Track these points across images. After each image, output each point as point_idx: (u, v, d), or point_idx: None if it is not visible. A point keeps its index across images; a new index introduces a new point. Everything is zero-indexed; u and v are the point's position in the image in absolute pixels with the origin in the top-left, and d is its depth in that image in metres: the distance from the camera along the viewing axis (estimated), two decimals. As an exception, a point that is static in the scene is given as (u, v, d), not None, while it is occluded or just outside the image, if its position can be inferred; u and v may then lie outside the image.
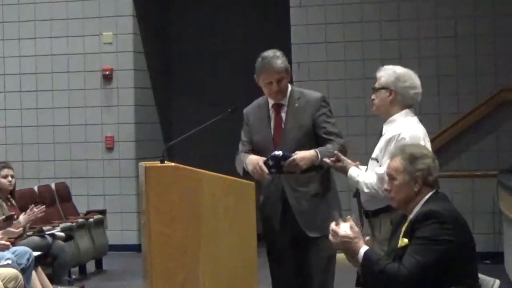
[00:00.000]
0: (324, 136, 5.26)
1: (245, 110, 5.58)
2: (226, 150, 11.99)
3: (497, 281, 4.00)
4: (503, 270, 8.58)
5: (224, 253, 5.04)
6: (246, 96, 12.43)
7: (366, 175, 4.88)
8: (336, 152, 5.04)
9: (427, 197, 4.04)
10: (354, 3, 10.62)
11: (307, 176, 5.23)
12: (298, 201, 5.27)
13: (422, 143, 4.76)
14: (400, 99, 4.93)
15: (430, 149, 4.62)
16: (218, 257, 5.03)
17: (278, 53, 5.36)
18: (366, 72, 10.19)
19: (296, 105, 5.29)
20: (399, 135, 4.79)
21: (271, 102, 5.42)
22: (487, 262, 9.09)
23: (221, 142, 11.94)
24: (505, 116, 10.16)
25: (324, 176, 5.31)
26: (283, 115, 5.36)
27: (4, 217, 7.37)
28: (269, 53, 5.39)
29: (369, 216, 4.93)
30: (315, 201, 5.29)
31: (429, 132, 10.76)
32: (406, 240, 3.94)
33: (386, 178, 4.18)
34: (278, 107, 5.37)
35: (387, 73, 5.00)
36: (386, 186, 4.17)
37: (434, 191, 4.07)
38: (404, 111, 4.95)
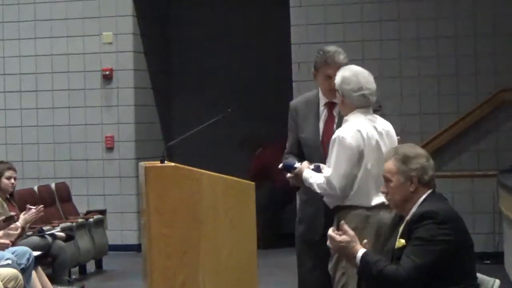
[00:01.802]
0: None
1: (292, 104, 5.49)
2: (226, 150, 12.08)
3: (497, 281, 4.00)
4: (503, 270, 8.59)
5: (224, 253, 5.04)
6: (245, 96, 12.49)
7: (317, 176, 4.92)
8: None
9: (423, 197, 4.04)
10: (354, 3, 10.62)
11: None
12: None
13: (360, 141, 4.80)
14: (347, 101, 4.94)
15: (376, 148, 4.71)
16: (218, 257, 5.03)
17: (340, 49, 5.31)
18: (366, 72, 10.17)
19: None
20: (338, 136, 4.86)
21: (323, 99, 5.33)
22: (487, 262, 9.10)
23: (221, 142, 11.96)
24: (505, 116, 10.16)
25: None
26: (336, 113, 5.29)
27: (4, 217, 7.38)
28: (331, 47, 5.32)
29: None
30: None
31: (429, 132, 10.79)
32: (403, 241, 3.94)
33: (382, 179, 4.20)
34: (331, 105, 5.28)
35: (338, 75, 5.03)
36: (382, 188, 4.17)
37: (430, 191, 4.07)
38: (356, 111, 4.94)
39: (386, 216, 4.82)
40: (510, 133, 10.12)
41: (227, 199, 5.08)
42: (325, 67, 5.24)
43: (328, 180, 4.82)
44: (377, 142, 4.89)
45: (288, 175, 5.18)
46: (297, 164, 5.10)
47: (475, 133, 10.19)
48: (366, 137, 4.86)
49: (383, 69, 10.32)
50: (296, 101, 5.51)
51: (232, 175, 5.26)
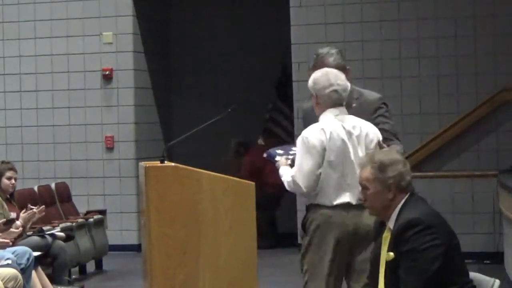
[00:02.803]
0: (383, 137, 5.17)
1: (304, 107, 5.57)
2: (226, 150, 12.07)
3: (497, 281, 4.00)
4: (503, 270, 8.58)
5: (224, 253, 5.05)
6: (245, 96, 12.49)
7: (287, 174, 5.03)
8: None
9: (402, 201, 4.01)
10: (354, 3, 10.61)
11: None
12: None
13: (323, 140, 4.89)
14: (321, 101, 5.04)
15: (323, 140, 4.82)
16: (218, 257, 5.03)
17: (333, 50, 5.36)
18: (366, 72, 10.19)
19: (354, 105, 5.25)
20: (303, 136, 4.98)
21: None
22: (487, 262, 9.09)
23: (221, 142, 11.96)
24: (505, 116, 10.15)
25: None
26: None
27: (5, 220, 7.39)
28: (324, 49, 5.40)
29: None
30: None
31: (429, 132, 10.79)
32: (392, 254, 3.91)
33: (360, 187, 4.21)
34: None
35: (310, 78, 5.11)
36: (360, 195, 4.15)
37: (408, 194, 4.04)
38: (327, 111, 5.03)
39: (350, 216, 4.90)
40: (510, 133, 10.12)
41: (227, 199, 5.08)
42: (315, 69, 5.27)
43: (293, 180, 4.95)
44: (343, 141, 4.94)
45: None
46: (278, 158, 5.22)
47: (475, 133, 10.19)
48: (330, 136, 4.93)
49: (383, 69, 10.33)
50: (307, 104, 5.54)
51: (232, 175, 5.27)
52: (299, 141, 5.01)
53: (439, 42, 10.41)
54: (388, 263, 3.92)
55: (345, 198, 4.93)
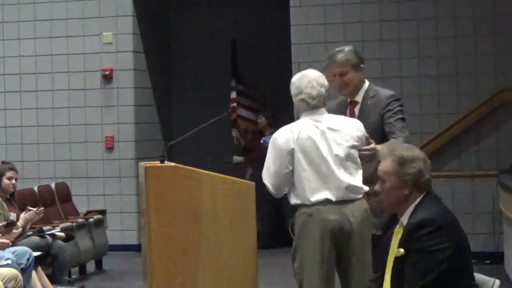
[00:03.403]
0: (387, 131, 5.32)
1: (328, 106, 5.58)
2: (226, 150, 12.06)
3: (497, 281, 4.00)
4: (503, 270, 8.58)
5: (224, 253, 5.05)
6: (245, 96, 12.40)
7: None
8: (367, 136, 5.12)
9: (418, 200, 4.00)
10: (354, 3, 10.61)
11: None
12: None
13: (290, 141, 4.97)
14: (295, 105, 5.18)
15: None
16: (218, 257, 5.03)
17: (347, 48, 5.49)
18: (366, 72, 10.14)
19: (369, 102, 5.36)
20: (273, 136, 5.10)
21: (349, 98, 5.52)
22: (487, 262, 9.09)
23: (221, 142, 11.95)
24: (505, 116, 10.15)
25: None
26: (356, 111, 5.44)
27: (5, 223, 7.39)
28: (338, 48, 5.54)
29: None
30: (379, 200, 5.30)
31: (429, 132, 10.79)
32: (402, 251, 3.91)
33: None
34: (353, 103, 5.46)
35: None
36: (376, 187, 4.15)
37: (425, 193, 4.04)
38: (303, 113, 5.13)
39: (331, 212, 4.94)
40: (510, 133, 10.12)
41: (227, 199, 5.09)
42: (327, 67, 5.45)
43: (263, 179, 5.04)
44: (313, 141, 4.99)
45: None
46: None
47: (475, 133, 10.19)
48: (298, 136, 4.99)
49: (383, 69, 10.32)
50: (331, 102, 5.61)
51: (232, 175, 5.27)
52: (270, 141, 5.12)
53: (439, 42, 10.41)
54: (396, 259, 3.93)
55: (323, 195, 4.96)
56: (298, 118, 5.36)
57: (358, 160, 5.05)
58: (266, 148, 5.27)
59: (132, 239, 11.25)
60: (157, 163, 5.16)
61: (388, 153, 4.10)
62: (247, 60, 12.07)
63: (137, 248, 10.44)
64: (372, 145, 5.04)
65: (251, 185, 5.21)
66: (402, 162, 4.00)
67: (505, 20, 10.26)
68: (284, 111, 11.28)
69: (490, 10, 10.30)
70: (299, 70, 10.54)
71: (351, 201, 4.99)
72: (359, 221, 4.98)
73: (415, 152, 4.09)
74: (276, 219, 11.59)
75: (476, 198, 9.88)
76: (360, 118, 5.33)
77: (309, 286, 4.99)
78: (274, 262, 9.52)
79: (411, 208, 3.99)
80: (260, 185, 5.23)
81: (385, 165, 4.05)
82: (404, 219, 4.00)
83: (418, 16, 10.45)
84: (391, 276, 3.97)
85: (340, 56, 5.43)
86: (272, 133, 11.74)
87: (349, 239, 4.98)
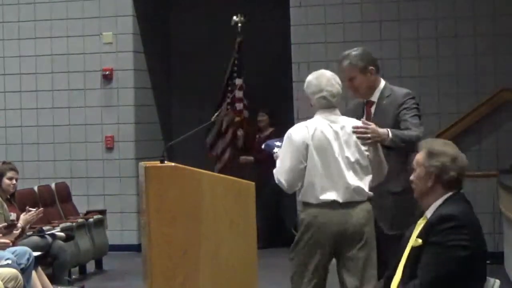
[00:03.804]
0: (403, 129, 5.36)
1: (347, 107, 5.72)
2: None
3: (497, 281, 4.00)
4: (503, 270, 8.58)
5: (224, 253, 5.05)
6: (245, 95, 12.43)
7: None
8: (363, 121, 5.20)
9: (445, 197, 4.03)
10: (354, 3, 10.61)
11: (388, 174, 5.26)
12: (379, 196, 5.27)
13: (306, 137, 5.02)
14: (313, 103, 5.21)
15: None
16: (218, 257, 5.03)
17: (354, 52, 5.52)
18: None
19: (384, 102, 5.40)
20: (288, 132, 5.14)
21: (365, 99, 5.57)
22: (487, 262, 9.08)
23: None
24: (505, 116, 10.15)
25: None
26: (372, 111, 5.49)
27: (6, 224, 7.39)
28: (345, 52, 5.59)
29: None
30: (395, 199, 5.31)
31: (429, 132, 10.80)
32: (420, 241, 3.93)
33: None
34: (369, 103, 5.49)
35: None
36: (411, 176, 4.18)
37: (453, 192, 4.06)
38: (318, 112, 5.18)
39: (336, 215, 4.98)
40: (510, 133, 10.12)
41: (227, 199, 5.09)
42: (339, 73, 5.45)
43: (275, 175, 5.07)
44: (327, 139, 5.03)
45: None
46: (276, 149, 5.30)
47: (475, 133, 10.19)
48: (313, 133, 5.04)
49: (383, 69, 10.28)
50: (350, 103, 5.73)
51: (232, 176, 5.27)
52: (285, 137, 5.13)
53: (439, 42, 10.41)
54: (413, 249, 3.95)
55: (331, 196, 5.00)
56: (298, 118, 5.40)
57: (368, 165, 5.10)
58: (269, 152, 5.30)
59: (132, 239, 11.25)
60: (157, 163, 5.16)
61: (424, 145, 4.14)
62: (247, 60, 12.06)
63: (137, 248, 10.44)
64: (369, 125, 5.12)
65: (251, 185, 5.21)
66: (430, 154, 4.06)
67: (505, 20, 10.26)
68: (283, 111, 11.31)
69: (490, 10, 10.29)
70: (299, 70, 10.66)
71: (357, 202, 5.04)
72: (363, 222, 5.03)
73: (447, 148, 4.11)
74: (276, 219, 11.60)
75: (476, 198, 9.86)
76: (376, 117, 5.36)
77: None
78: (274, 262, 9.51)
79: (437, 204, 4.02)
80: (261, 185, 5.26)
81: (418, 155, 4.12)
82: (429, 213, 4.03)
83: (418, 16, 10.45)
84: (406, 263, 3.99)
85: (346, 63, 5.49)
86: (271, 132, 11.68)
87: (352, 241, 5.01)
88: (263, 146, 5.57)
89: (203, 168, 5.17)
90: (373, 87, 5.49)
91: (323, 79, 5.16)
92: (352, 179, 5.02)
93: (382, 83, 5.54)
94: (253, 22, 12.24)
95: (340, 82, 5.20)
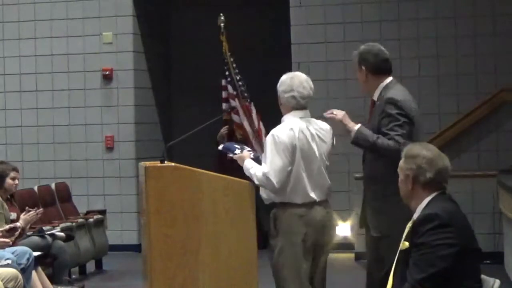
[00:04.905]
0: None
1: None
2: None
3: (497, 281, 3.99)
4: (503, 270, 8.58)
5: (224, 253, 5.05)
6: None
7: (257, 169, 5.16)
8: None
9: (428, 199, 4.03)
10: (354, 3, 10.62)
11: (375, 175, 5.24)
12: (371, 197, 5.28)
13: (292, 138, 5.10)
14: (282, 102, 5.29)
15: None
16: (218, 257, 5.03)
17: (363, 47, 5.44)
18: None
19: (378, 102, 5.37)
20: (272, 134, 5.16)
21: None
22: (487, 262, 9.07)
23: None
24: (505, 116, 10.15)
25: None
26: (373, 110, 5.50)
27: (8, 227, 7.39)
28: (355, 52, 5.54)
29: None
30: (384, 200, 5.29)
31: (429, 132, 10.78)
32: (406, 244, 3.94)
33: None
34: (372, 102, 5.48)
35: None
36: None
37: (437, 193, 4.05)
38: (291, 112, 5.26)
39: (316, 214, 5.14)
40: (510, 133, 10.12)
41: (227, 199, 5.09)
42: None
43: (266, 176, 5.08)
44: (308, 142, 5.18)
45: (232, 155, 5.42)
46: (237, 151, 5.36)
47: (475, 133, 10.19)
48: (298, 135, 5.15)
49: (383, 69, 10.31)
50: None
51: (232, 176, 5.27)
52: (269, 139, 5.17)
53: (439, 42, 10.41)
54: (401, 252, 3.96)
55: (313, 195, 5.16)
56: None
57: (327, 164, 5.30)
58: (225, 154, 5.37)
59: (132, 239, 11.25)
60: (157, 163, 5.16)
61: (405, 150, 4.18)
62: (247, 60, 12.06)
63: (137, 248, 10.44)
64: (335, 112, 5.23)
65: (251, 185, 5.21)
66: (406, 157, 4.10)
67: (505, 20, 10.26)
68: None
69: (490, 10, 10.30)
70: (299, 70, 10.62)
71: (326, 200, 5.26)
72: (332, 217, 5.31)
73: (423, 151, 4.13)
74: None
75: (476, 198, 9.88)
76: (372, 118, 5.34)
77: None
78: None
79: (421, 206, 4.03)
80: None
81: (401, 160, 4.13)
82: (415, 216, 4.04)
83: (418, 16, 10.45)
84: (395, 268, 4.00)
85: (353, 57, 5.48)
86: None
87: (328, 235, 5.22)
88: (220, 147, 5.61)
89: (203, 168, 5.17)
90: (371, 86, 5.42)
91: (296, 80, 5.27)
92: (327, 178, 5.25)
93: (384, 82, 5.41)
94: (253, 22, 12.25)
95: (312, 86, 5.28)
